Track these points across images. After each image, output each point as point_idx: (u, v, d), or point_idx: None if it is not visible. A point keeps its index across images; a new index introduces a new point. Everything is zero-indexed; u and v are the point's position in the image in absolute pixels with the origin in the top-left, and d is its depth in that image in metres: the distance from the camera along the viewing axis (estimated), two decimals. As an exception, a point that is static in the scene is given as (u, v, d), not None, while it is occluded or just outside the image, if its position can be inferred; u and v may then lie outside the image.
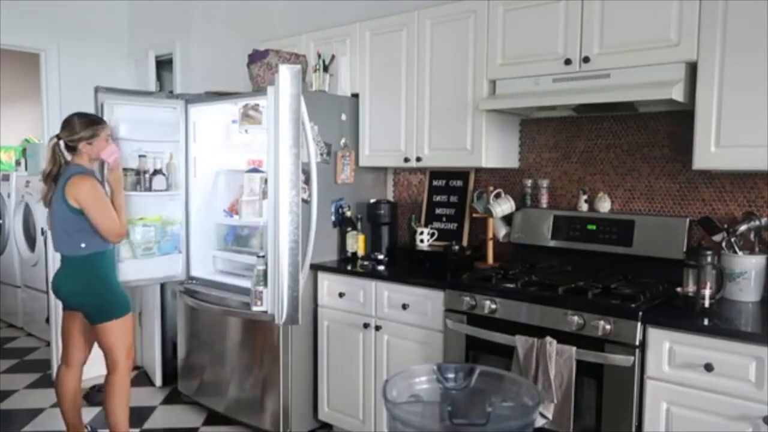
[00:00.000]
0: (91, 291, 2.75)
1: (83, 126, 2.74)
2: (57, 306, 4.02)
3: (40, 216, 4.88)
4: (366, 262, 3.07)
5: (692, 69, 2.22)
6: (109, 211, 2.71)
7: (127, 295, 2.87)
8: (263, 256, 2.69)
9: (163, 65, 4.29)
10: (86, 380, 3.99)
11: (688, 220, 2.48)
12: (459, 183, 3.23)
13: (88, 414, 3.49)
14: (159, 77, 4.27)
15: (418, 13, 2.95)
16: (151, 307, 3.98)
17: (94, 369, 3.98)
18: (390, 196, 3.56)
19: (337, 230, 3.25)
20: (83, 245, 2.72)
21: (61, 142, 2.75)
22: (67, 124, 2.76)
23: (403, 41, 3.02)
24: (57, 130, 3.99)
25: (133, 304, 2.98)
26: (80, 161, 2.76)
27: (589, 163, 2.82)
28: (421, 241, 3.15)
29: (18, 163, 5.84)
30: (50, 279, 4.01)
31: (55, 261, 4.00)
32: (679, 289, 2.23)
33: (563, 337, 2.17)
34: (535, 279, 2.48)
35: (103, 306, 2.75)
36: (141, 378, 3.50)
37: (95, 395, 3.66)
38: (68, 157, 2.77)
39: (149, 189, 3.16)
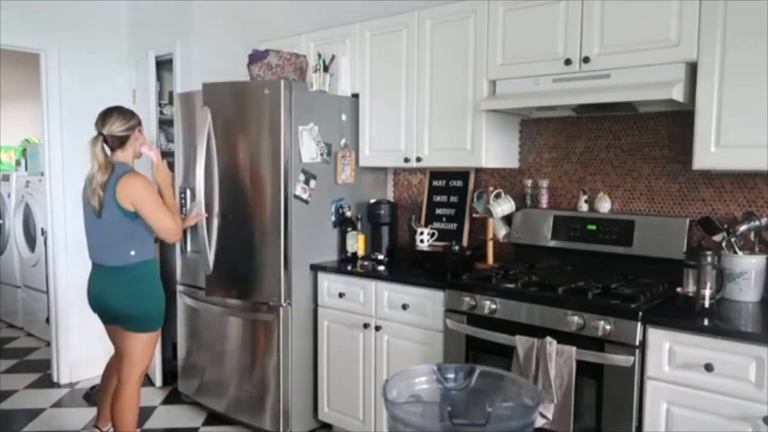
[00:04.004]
0: (137, 300, 2.64)
1: (130, 116, 2.65)
2: (57, 306, 4.03)
3: (40, 216, 4.88)
4: (366, 262, 3.07)
5: (692, 69, 2.22)
6: (165, 209, 2.61)
7: (164, 310, 2.75)
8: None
9: (164, 65, 4.29)
10: (86, 380, 4.03)
11: (688, 220, 2.48)
12: (459, 183, 3.23)
13: (88, 414, 3.48)
14: (159, 77, 4.27)
15: (418, 13, 2.95)
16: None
17: (93, 369, 4.00)
18: (390, 197, 3.56)
19: (337, 230, 3.25)
20: (133, 253, 2.61)
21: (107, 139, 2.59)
22: (118, 114, 2.61)
23: (403, 41, 3.02)
24: (57, 131, 4.00)
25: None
26: (125, 158, 2.63)
27: (589, 163, 2.82)
28: (421, 241, 3.15)
29: (18, 163, 5.83)
30: (50, 280, 4.03)
31: (56, 261, 4.01)
32: (679, 290, 2.23)
33: (563, 338, 2.17)
34: (535, 279, 2.48)
35: (143, 317, 2.65)
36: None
37: (95, 395, 3.65)
38: (109, 154, 2.60)
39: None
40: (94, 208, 2.57)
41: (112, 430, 2.87)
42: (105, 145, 2.58)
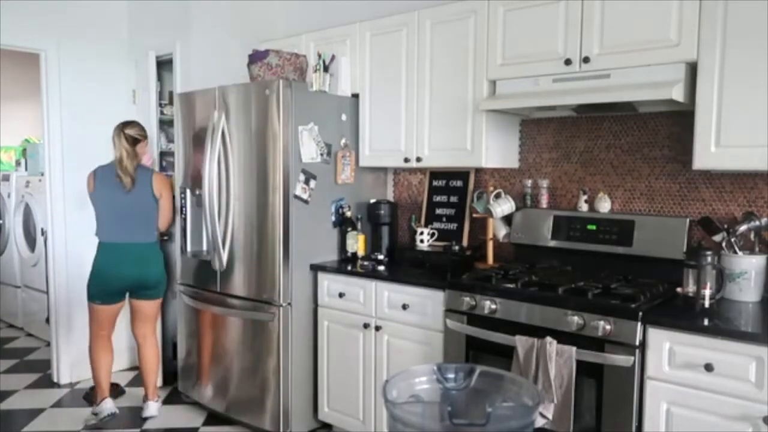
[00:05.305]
0: (163, 272, 3.43)
1: (144, 129, 3.43)
2: (57, 306, 4.03)
3: (40, 216, 4.88)
4: (366, 262, 3.07)
5: (692, 69, 2.22)
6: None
7: None
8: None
9: (164, 65, 4.29)
10: (86, 380, 4.02)
11: (688, 220, 2.48)
12: (459, 183, 3.23)
13: (88, 414, 3.48)
14: (158, 77, 4.27)
15: (418, 13, 2.95)
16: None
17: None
18: (390, 197, 3.56)
19: (337, 230, 3.25)
20: (155, 232, 3.39)
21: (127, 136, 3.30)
22: (136, 124, 3.41)
23: (403, 41, 3.02)
24: (57, 131, 4.04)
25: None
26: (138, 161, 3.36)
27: (589, 163, 2.82)
28: (421, 241, 3.15)
29: (18, 163, 5.84)
30: (50, 280, 4.02)
31: (55, 261, 4.01)
32: (679, 290, 2.23)
33: (563, 338, 2.17)
34: (535, 279, 2.48)
35: (164, 285, 3.47)
36: (141, 378, 3.53)
37: (95, 395, 3.66)
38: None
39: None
40: (124, 187, 3.24)
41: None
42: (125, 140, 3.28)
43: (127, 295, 3.42)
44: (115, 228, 3.28)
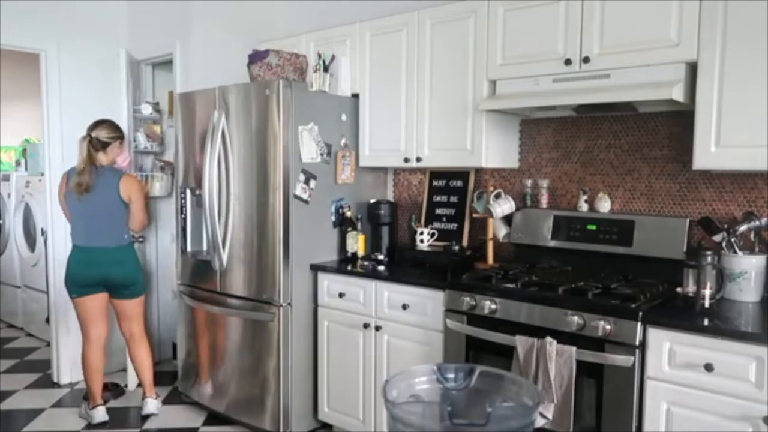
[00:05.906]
0: (136, 272, 3.41)
1: (117, 129, 3.33)
2: (57, 306, 4.03)
3: (40, 216, 4.88)
4: (366, 262, 3.07)
5: (692, 69, 2.22)
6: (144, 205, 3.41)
7: None
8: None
9: (165, 66, 4.30)
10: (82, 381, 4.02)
11: (688, 220, 2.48)
12: (459, 183, 3.23)
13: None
14: (154, 77, 4.30)
15: (418, 13, 2.95)
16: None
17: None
18: (390, 196, 3.56)
19: (337, 230, 3.25)
20: (126, 236, 3.35)
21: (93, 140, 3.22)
22: (108, 124, 3.29)
23: (403, 41, 3.02)
24: (57, 131, 4.05)
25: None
26: (106, 161, 3.28)
27: (589, 163, 2.82)
28: (421, 241, 3.15)
29: (18, 163, 5.83)
30: (50, 280, 4.02)
31: (56, 261, 4.01)
32: (679, 290, 2.23)
33: (563, 338, 2.18)
34: (535, 279, 2.48)
35: (141, 283, 3.46)
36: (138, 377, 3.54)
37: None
38: (94, 154, 3.23)
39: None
40: (81, 194, 3.19)
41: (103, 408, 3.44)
42: (90, 146, 3.21)
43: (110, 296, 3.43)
44: (84, 232, 3.28)
